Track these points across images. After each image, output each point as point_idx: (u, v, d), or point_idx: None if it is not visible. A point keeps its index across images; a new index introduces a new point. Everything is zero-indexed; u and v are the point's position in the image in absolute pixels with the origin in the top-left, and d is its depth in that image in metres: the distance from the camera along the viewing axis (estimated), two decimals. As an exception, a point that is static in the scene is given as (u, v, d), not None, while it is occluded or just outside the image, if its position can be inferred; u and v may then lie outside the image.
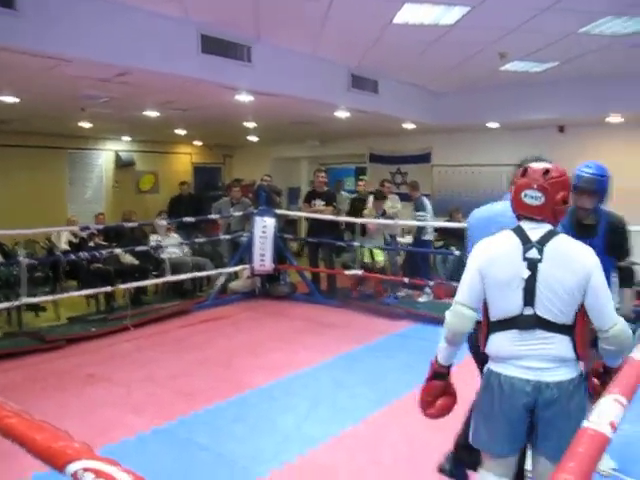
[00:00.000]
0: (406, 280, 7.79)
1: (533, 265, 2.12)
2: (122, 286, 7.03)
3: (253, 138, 13.11)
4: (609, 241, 3.06)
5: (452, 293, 2.44)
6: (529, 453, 2.41)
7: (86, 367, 5.30)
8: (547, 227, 2.19)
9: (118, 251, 7.34)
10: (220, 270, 8.25)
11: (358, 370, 5.29)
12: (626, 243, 3.24)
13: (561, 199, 2.18)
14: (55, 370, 5.24)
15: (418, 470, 3.44)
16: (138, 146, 13.56)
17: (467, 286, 2.28)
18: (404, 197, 9.49)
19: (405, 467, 3.51)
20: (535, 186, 2.15)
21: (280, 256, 8.34)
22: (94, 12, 4.84)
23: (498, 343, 2.23)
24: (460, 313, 2.28)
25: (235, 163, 15.75)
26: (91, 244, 7.76)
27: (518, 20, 5.53)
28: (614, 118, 8.72)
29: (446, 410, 2.50)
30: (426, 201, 8.83)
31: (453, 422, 3.26)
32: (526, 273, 2.12)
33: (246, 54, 6.14)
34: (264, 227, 8.03)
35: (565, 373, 2.15)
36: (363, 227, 8.33)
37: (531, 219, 2.20)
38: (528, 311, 2.14)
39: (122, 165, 13.07)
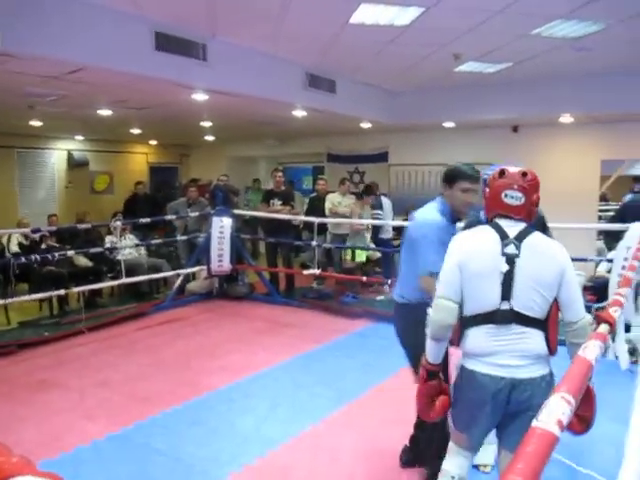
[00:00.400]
0: (364, 279, 7.86)
1: (511, 260, 2.17)
2: (76, 289, 6.85)
3: (210, 137, 12.99)
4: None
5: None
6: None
7: (38, 373, 5.15)
8: (523, 225, 2.26)
9: (71, 253, 7.16)
10: (177, 271, 8.14)
11: (317, 370, 5.28)
12: (545, 232, 3.17)
13: (536, 200, 2.28)
14: (5, 377, 5.07)
15: (378, 468, 3.47)
16: (92, 145, 13.26)
17: (447, 280, 2.31)
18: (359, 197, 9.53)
19: (365, 465, 3.52)
20: (516, 187, 2.23)
21: (238, 256, 8.28)
22: (43, 6, 4.69)
23: (473, 339, 2.26)
24: (444, 306, 2.29)
25: (192, 162, 15.57)
26: (43, 246, 7.56)
27: (472, 21, 5.61)
28: (565, 118, 8.95)
29: (447, 409, 2.48)
30: (385, 200, 8.90)
31: (412, 418, 3.30)
32: (505, 267, 2.17)
33: (202, 52, 6.06)
34: (221, 227, 7.94)
35: (538, 370, 2.21)
36: (322, 226, 8.33)
37: (508, 217, 2.27)
38: (505, 305, 2.18)
39: (75, 165, 12.75)
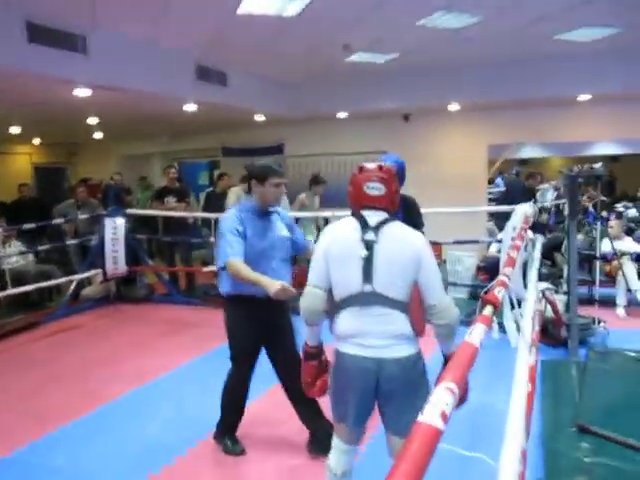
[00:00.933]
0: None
1: (369, 246, 2.30)
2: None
3: (98, 135, 12.40)
4: (406, 216, 3.67)
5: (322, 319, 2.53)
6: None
7: None
8: (384, 215, 2.38)
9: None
10: (70, 277, 7.71)
11: (222, 369, 5.18)
12: (419, 217, 4.28)
13: (395, 189, 2.45)
14: None
15: (288, 465, 3.45)
16: (-34, 146, 12.34)
17: (315, 269, 2.44)
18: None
19: (275, 462, 3.50)
20: (375, 178, 2.38)
21: (134, 257, 7.97)
22: None
23: (342, 322, 2.38)
24: (311, 293, 2.42)
25: (81, 162, 14.85)
26: None
27: (358, 12, 5.70)
28: (453, 106, 9.31)
29: (326, 389, 2.61)
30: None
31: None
32: (364, 252, 2.29)
33: (81, 44, 5.76)
34: (114, 228, 7.61)
35: (403, 350, 2.32)
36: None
37: (371, 208, 2.39)
38: (367, 288, 2.29)
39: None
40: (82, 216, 7.93)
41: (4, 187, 12.18)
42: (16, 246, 7.78)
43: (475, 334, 1.45)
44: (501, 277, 2.22)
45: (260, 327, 3.47)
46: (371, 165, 2.44)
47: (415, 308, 2.32)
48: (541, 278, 4.86)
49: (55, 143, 14.02)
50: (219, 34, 6.34)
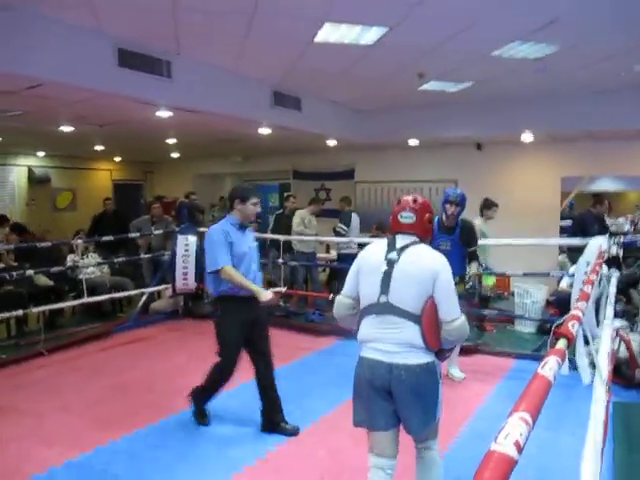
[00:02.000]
0: (330, 296, 7.84)
1: (391, 263, 2.66)
2: (36, 309, 6.64)
3: (175, 154, 12.90)
4: (462, 236, 4.78)
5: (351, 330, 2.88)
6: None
7: (-7, 397, 4.97)
8: (413, 238, 2.76)
9: (31, 272, 6.95)
10: (141, 290, 7.99)
11: (283, 388, 5.19)
12: (473, 237, 5.25)
13: (428, 219, 2.85)
14: (-41, 402, 4.88)
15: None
16: (54, 161, 13.05)
17: (348, 281, 2.89)
18: (331, 213, 9.54)
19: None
20: (408, 209, 2.81)
21: (203, 275, 8.16)
22: (2, 20, 4.61)
23: (363, 328, 2.72)
24: (339, 301, 2.91)
25: (156, 179, 15.44)
26: (1, 265, 7.35)
27: (434, 41, 5.71)
28: (526, 136, 9.15)
29: None
30: (354, 216, 8.96)
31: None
32: (384, 268, 2.65)
33: (165, 69, 6.03)
34: (186, 245, 7.83)
35: (414, 358, 2.57)
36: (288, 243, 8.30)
37: (404, 233, 2.79)
38: (383, 299, 2.63)
39: (37, 181, 12.52)
40: (156, 232, 8.23)
41: (88, 200, 12.84)
42: (93, 257, 8.15)
43: (548, 367, 1.42)
44: (575, 311, 2.16)
45: (245, 321, 4.14)
46: (407, 197, 2.87)
47: (427, 322, 2.57)
48: (615, 315, 4.66)
49: (134, 161, 14.67)
50: (295, 61, 6.50)
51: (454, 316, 2.59)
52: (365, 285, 2.74)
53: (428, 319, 2.57)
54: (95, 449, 3.90)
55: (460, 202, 5.10)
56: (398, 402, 2.60)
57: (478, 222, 7.09)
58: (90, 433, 4.19)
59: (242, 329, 4.18)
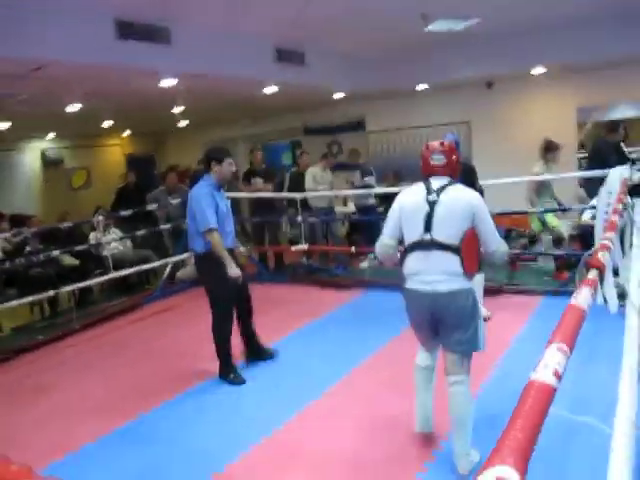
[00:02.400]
0: (352, 249, 7.88)
1: (432, 205, 3.00)
2: (65, 289, 6.76)
3: (184, 123, 12.81)
4: (465, 178, 4.19)
5: (393, 263, 3.27)
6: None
7: (35, 377, 5.13)
8: (446, 180, 3.09)
9: (56, 253, 7.06)
10: (165, 260, 8.07)
11: (315, 344, 5.31)
12: (475, 180, 5.14)
13: (456, 159, 3.18)
14: (3, 384, 5.04)
15: (379, 432, 3.52)
16: (65, 142, 13.09)
17: (389, 223, 3.20)
18: (342, 167, 9.49)
19: (367, 431, 3.57)
20: (437, 152, 3.13)
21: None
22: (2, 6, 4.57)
23: (408, 262, 3.09)
24: (383, 242, 3.22)
25: (168, 150, 15.42)
26: (28, 249, 7.46)
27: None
28: (537, 70, 8.92)
29: None
30: (370, 167, 8.96)
31: (407, 383, 3.34)
32: (426, 209, 2.99)
33: (165, 36, 5.95)
34: (205, 212, 7.87)
35: (454, 284, 2.95)
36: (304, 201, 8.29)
37: (436, 175, 3.11)
38: (427, 236, 2.98)
39: (50, 163, 12.58)
40: (173, 201, 8.26)
41: (102, 177, 12.92)
42: (115, 233, 8.23)
43: (581, 297, 1.41)
44: (604, 241, 2.14)
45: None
46: (435, 142, 3.20)
47: (466, 251, 2.94)
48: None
49: (144, 133, 14.63)
50: (296, 14, 6.36)
51: (494, 246, 3.04)
52: (409, 225, 3.08)
53: (466, 248, 2.95)
54: (139, 416, 4.03)
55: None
56: (440, 323, 3.04)
57: (538, 167, 6.92)
58: (133, 402, 4.31)
59: (231, 282, 4.43)
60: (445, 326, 3.03)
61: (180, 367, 5.01)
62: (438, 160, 3.11)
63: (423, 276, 3.01)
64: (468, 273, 2.98)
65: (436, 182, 3.08)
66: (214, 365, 4.88)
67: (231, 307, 4.62)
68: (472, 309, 3.01)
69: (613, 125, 7.77)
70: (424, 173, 3.17)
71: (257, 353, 4.92)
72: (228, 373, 4.55)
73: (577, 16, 7.43)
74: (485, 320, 5.32)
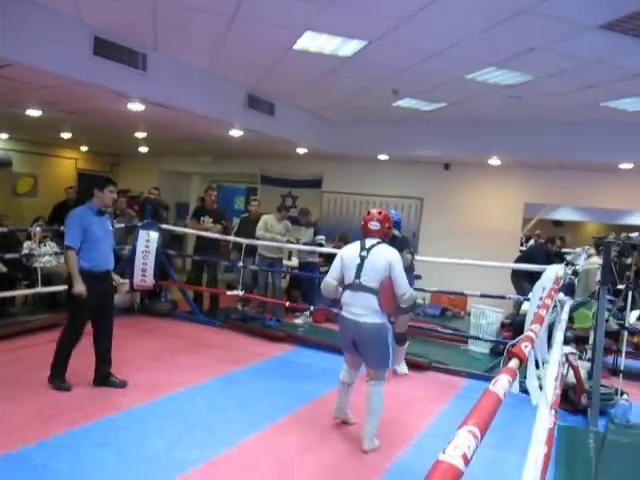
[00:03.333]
0: (287, 303, 7.86)
1: (362, 258, 4.11)
2: (-15, 295, 6.45)
3: (143, 148, 12.73)
4: (401, 244, 5.34)
5: (331, 318, 3.70)
6: None
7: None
8: (377, 240, 4.20)
9: (-17, 257, 6.76)
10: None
11: (235, 393, 5.19)
12: (405, 246, 5.57)
13: (388, 226, 4.31)
14: None
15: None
16: (17, 145, 12.73)
17: (333, 268, 4.30)
18: (293, 221, 9.54)
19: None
20: (375, 219, 4.25)
21: (162, 272, 8.08)
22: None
23: (344, 297, 4.19)
24: (326, 282, 4.31)
25: (122, 172, 15.19)
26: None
27: (412, 60, 5.80)
28: (493, 160, 9.34)
29: None
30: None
31: (324, 445, 3.28)
32: (358, 261, 4.11)
33: (141, 62, 5.97)
34: (147, 241, 7.75)
35: (372, 318, 4.02)
36: (252, 247, 8.27)
37: (371, 237, 4.21)
38: (357, 280, 4.10)
39: (-3, 164, 12.19)
40: (118, 225, 8.09)
41: (50, 188, 12.55)
42: (51, 247, 7.95)
43: (499, 385, 1.44)
44: (529, 333, 2.21)
45: (95, 294, 4.79)
46: (374, 210, 4.34)
47: (382, 293, 4.02)
48: (566, 342, 4.78)
49: (101, 152, 14.42)
50: (273, 66, 6.51)
51: (403, 291, 4.05)
52: (347, 271, 4.18)
53: (383, 291, 4.02)
54: (37, 442, 3.79)
55: (396, 221, 5.73)
56: (360, 345, 4.13)
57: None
58: (33, 425, 4.07)
59: (92, 300, 4.84)
60: (363, 347, 4.13)
61: (92, 396, 4.78)
62: (374, 225, 4.22)
63: (351, 308, 4.11)
64: (384, 310, 4.04)
65: (369, 241, 4.18)
66: (127, 399, 4.72)
67: (79, 323, 4.92)
68: (384, 338, 4.05)
69: (552, 238, 8.96)
70: (362, 233, 4.28)
71: (103, 379, 5.06)
72: (54, 379, 4.88)
73: (534, 115, 7.89)
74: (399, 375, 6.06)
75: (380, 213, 4.28)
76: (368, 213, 4.31)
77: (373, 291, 4.02)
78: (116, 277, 5.34)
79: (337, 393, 4.50)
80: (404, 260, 4.86)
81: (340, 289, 4.28)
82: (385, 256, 4.06)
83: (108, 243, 5.05)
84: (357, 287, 4.07)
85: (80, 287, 4.70)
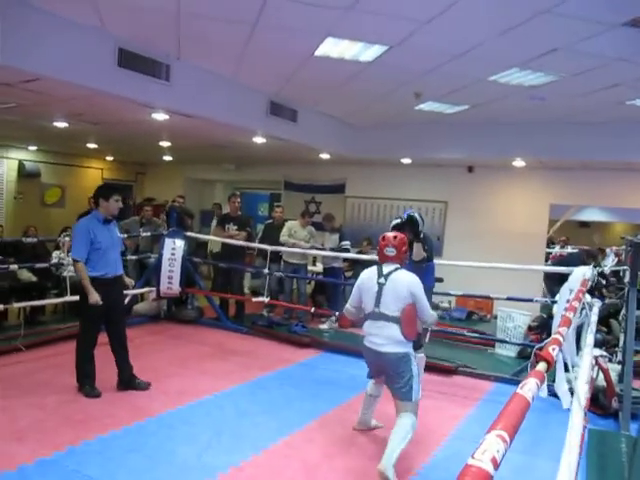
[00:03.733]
0: (312, 309, 7.87)
1: (380, 286, 3.97)
2: (17, 304, 6.57)
3: (168, 157, 12.88)
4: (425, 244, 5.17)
5: (356, 323, 4.12)
6: None
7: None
8: (395, 266, 4.03)
9: (14, 267, 6.88)
10: (125, 291, 7.91)
11: (262, 399, 5.21)
12: (430, 246, 5.32)
13: (405, 250, 4.12)
14: None
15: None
16: (45, 156, 12.98)
17: (352, 296, 4.25)
18: (317, 226, 9.57)
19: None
20: (390, 245, 4.05)
21: (189, 280, 8.15)
22: (4, 14, 4.60)
23: (365, 326, 4.08)
24: (347, 309, 4.35)
25: (148, 181, 15.40)
26: (-16, 259, 7.27)
27: (433, 63, 5.78)
28: (518, 162, 9.26)
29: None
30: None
31: (352, 449, 3.27)
32: (376, 289, 3.98)
33: (165, 72, 6.05)
34: (173, 249, 7.83)
35: (394, 348, 3.87)
36: (277, 253, 8.31)
37: (388, 262, 4.04)
38: (376, 309, 3.96)
39: (26, 175, 12.42)
40: (144, 233, 8.20)
41: (77, 198, 12.76)
42: (79, 256, 8.06)
43: (527, 388, 1.44)
44: (556, 336, 2.18)
45: (105, 299, 4.89)
46: (389, 235, 4.11)
47: (404, 321, 3.87)
48: (595, 344, 4.70)
49: (126, 161, 14.63)
50: (295, 73, 6.55)
51: (426, 318, 4.06)
52: (365, 299, 4.07)
53: (405, 319, 3.87)
54: (68, 448, 3.85)
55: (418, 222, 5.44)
56: (385, 375, 4.05)
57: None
58: (64, 431, 4.14)
59: (104, 305, 4.96)
60: (387, 376, 4.03)
61: (122, 402, 4.85)
62: (390, 252, 4.03)
63: (373, 338, 3.98)
64: (407, 338, 3.88)
65: (387, 268, 4.02)
66: (157, 405, 4.77)
67: (92, 329, 5.08)
68: (406, 368, 3.87)
69: (594, 253, 8.83)
70: (379, 260, 4.12)
71: (127, 383, 5.20)
72: (83, 387, 4.99)
73: (558, 116, 7.80)
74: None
75: (395, 238, 4.06)
76: (383, 238, 4.09)
77: (395, 319, 3.86)
78: (128, 280, 5.48)
79: (362, 404, 4.49)
80: (417, 253, 5.00)
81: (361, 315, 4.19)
82: (406, 283, 3.91)
83: (116, 250, 5.18)
84: (377, 316, 3.92)
85: (95, 297, 4.83)
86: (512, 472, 3.69)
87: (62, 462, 3.68)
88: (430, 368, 6.26)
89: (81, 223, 5.03)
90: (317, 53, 5.71)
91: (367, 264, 8.78)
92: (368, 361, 4.13)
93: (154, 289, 7.92)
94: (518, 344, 7.17)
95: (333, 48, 5.55)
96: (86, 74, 5.38)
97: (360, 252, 9.21)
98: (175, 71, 6.17)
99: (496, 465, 1.00)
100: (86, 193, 11.86)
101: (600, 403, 5.10)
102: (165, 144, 10.33)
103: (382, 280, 3.94)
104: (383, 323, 3.88)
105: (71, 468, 3.61)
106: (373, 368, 4.15)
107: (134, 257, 8.25)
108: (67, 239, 7.62)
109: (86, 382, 4.99)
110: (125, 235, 8.16)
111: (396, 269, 3.99)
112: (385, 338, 3.87)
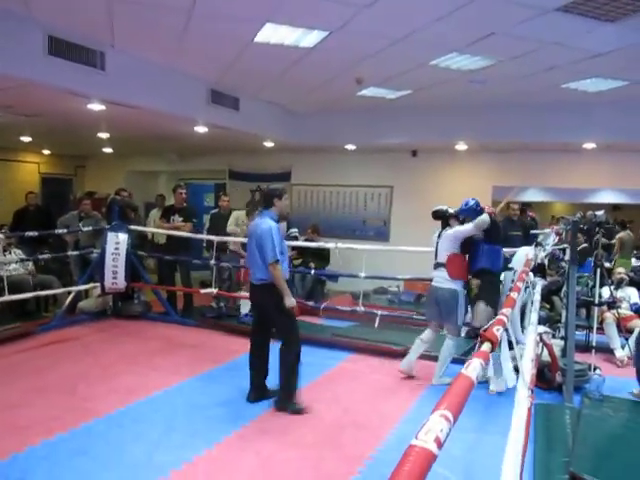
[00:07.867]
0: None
1: (438, 238, 5.47)
2: (-50, 307, 6.28)
3: (108, 149, 12.52)
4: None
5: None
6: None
7: None
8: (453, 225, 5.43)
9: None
10: (68, 289, 7.69)
11: (213, 392, 5.15)
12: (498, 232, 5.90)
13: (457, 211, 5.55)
14: None
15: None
16: (-25, 151, 12.42)
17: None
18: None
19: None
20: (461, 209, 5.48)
21: (134, 274, 7.96)
22: None
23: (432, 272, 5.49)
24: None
25: (88, 175, 14.94)
26: None
27: (374, 48, 5.79)
28: (460, 145, 9.40)
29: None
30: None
31: (309, 439, 3.27)
32: (435, 242, 5.49)
33: (99, 61, 5.85)
34: (117, 243, 7.62)
35: (446, 285, 5.30)
36: (224, 245, 8.20)
37: (449, 225, 5.52)
38: (435, 259, 5.44)
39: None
40: (85, 228, 7.95)
41: (12, 195, 12.24)
42: (16, 254, 7.77)
43: (472, 368, 1.45)
44: (500, 316, 2.22)
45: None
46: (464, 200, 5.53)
47: (449, 265, 5.30)
48: (539, 322, 4.84)
49: (64, 155, 14.15)
50: (235, 60, 6.44)
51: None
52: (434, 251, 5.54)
53: (448, 264, 5.30)
54: (11, 456, 3.70)
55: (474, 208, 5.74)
56: (440, 308, 5.37)
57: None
58: (6, 439, 3.96)
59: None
60: (441, 309, 5.36)
61: (68, 404, 4.67)
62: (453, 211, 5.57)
63: (435, 278, 5.41)
64: (454, 278, 5.28)
65: (447, 228, 5.50)
66: (105, 405, 4.64)
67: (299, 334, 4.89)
68: (454, 301, 5.25)
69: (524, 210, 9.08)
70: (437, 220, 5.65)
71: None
72: (289, 401, 4.68)
73: (498, 99, 7.96)
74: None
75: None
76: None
77: (442, 265, 5.34)
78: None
79: (412, 348, 5.53)
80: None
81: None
82: (451, 234, 5.41)
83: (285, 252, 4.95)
84: (436, 264, 5.43)
85: (291, 301, 4.67)
86: (463, 450, 3.76)
87: (5, 471, 3.52)
88: (381, 352, 6.34)
89: (273, 224, 4.64)
90: (257, 39, 5.63)
91: (315, 252, 8.88)
92: (428, 299, 5.75)
93: (99, 285, 7.71)
94: (466, 325, 7.29)
95: (273, 34, 5.48)
96: (13, 63, 5.15)
97: (307, 240, 9.17)
98: (110, 60, 5.98)
99: (440, 444, 1.00)
100: (22, 188, 11.43)
101: (545, 378, 5.27)
102: (104, 136, 10.03)
103: (436, 237, 5.59)
104: (439, 267, 5.43)
105: (14, 477, 3.46)
106: (431, 304, 5.50)
107: (75, 252, 8.00)
108: (1, 236, 7.34)
109: (293, 397, 4.72)
110: (64, 230, 7.93)
111: (450, 227, 5.52)
112: (440, 278, 5.37)
